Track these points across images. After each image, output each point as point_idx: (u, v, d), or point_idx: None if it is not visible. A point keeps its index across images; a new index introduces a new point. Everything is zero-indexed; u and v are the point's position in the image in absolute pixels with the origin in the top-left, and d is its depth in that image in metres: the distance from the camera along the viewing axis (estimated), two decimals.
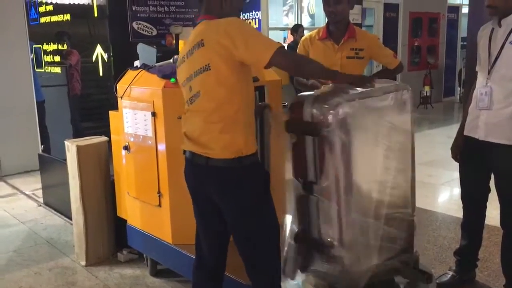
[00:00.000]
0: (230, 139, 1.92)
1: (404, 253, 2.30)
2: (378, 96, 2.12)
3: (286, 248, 2.18)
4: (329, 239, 2.07)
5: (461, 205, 2.96)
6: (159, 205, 2.89)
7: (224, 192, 1.98)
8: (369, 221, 2.12)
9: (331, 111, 1.94)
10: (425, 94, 10.74)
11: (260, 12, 7.55)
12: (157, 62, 3.03)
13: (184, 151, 2.11)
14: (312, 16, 9.24)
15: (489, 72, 2.60)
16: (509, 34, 2.51)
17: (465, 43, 10.64)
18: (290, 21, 8.85)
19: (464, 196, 2.91)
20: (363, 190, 2.09)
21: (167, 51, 3.20)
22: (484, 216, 2.89)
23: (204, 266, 2.22)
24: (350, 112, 1.97)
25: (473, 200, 2.88)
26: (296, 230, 2.16)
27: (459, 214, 3.09)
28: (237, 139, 1.93)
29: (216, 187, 1.99)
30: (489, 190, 2.80)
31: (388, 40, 10.18)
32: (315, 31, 3.05)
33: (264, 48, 1.85)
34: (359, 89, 2.09)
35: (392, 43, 10.46)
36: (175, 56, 2.94)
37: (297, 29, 7.40)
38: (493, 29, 2.61)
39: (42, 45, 4.49)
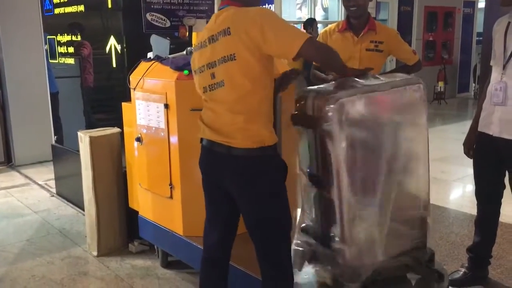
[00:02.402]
0: (254, 129, 1.92)
1: (417, 250, 2.28)
2: (385, 91, 2.09)
3: (294, 239, 2.18)
4: (331, 233, 2.08)
5: (474, 201, 2.93)
6: (171, 197, 2.90)
7: (244, 181, 1.96)
8: (374, 217, 2.10)
9: (331, 105, 1.94)
10: (439, 90, 10.63)
11: (273, 5, 7.51)
12: (170, 54, 3.03)
13: (201, 139, 2.10)
14: (325, 9, 9.18)
15: (504, 67, 2.56)
16: None
17: (480, 38, 10.51)
18: (304, 14, 8.80)
19: (478, 193, 2.88)
20: (368, 186, 2.08)
21: (180, 43, 3.21)
22: (498, 213, 2.86)
23: (210, 258, 2.22)
24: (351, 106, 1.96)
25: (487, 197, 2.84)
26: (304, 222, 2.17)
27: (472, 211, 3.06)
28: (261, 130, 1.93)
29: (236, 176, 1.98)
30: (503, 187, 2.76)
31: (402, 35, 10.03)
32: (334, 24, 3.02)
33: (293, 39, 1.84)
34: (367, 83, 2.06)
35: (407, 37, 10.35)
36: (188, 48, 2.94)
37: (311, 23, 7.35)
38: (509, 23, 2.56)
39: (56, 36, 4.51)
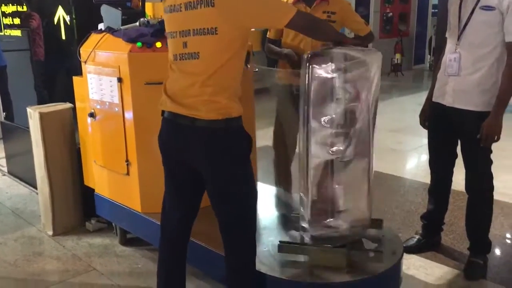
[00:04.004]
0: (221, 102, 1.87)
1: None
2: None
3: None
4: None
5: (428, 170, 3.01)
6: (127, 174, 2.84)
7: (209, 153, 1.92)
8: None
9: None
10: (396, 62, 10.81)
11: None
12: (122, 25, 2.91)
13: (163, 112, 2.03)
14: None
15: (459, 38, 2.60)
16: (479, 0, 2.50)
17: (436, 10, 10.69)
18: None
19: (432, 162, 2.96)
20: None
21: (132, 14, 3.07)
22: (450, 181, 2.95)
23: (170, 237, 2.19)
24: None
25: (440, 166, 2.92)
26: None
27: (427, 179, 3.15)
28: (228, 102, 1.89)
29: (201, 148, 1.93)
30: (455, 156, 2.84)
31: (361, 7, 10.13)
32: None
33: (284, 11, 1.85)
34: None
35: (364, 10, 10.42)
36: (142, 19, 2.84)
37: None
38: None
39: (0, 6, 4.26)
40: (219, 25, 1.79)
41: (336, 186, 2.06)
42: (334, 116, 1.97)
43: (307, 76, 1.95)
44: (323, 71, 1.95)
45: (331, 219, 2.10)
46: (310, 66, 1.94)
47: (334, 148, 2.00)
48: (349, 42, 2.08)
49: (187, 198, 2.13)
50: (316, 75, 1.95)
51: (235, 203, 1.99)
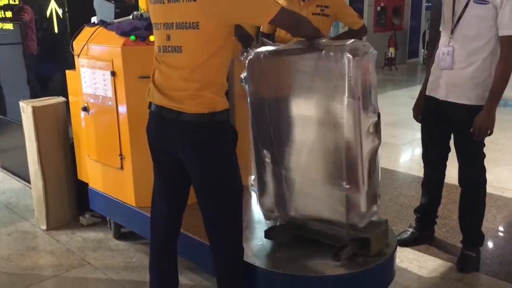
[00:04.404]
0: (206, 96, 1.87)
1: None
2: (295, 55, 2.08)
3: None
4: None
5: (422, 164, 3.03)
6: (121, 168, 2.83)
7: (194, 147, 1.93)
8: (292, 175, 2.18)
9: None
10: (389, 56, 10.83)
11: None
12: (115, 18, 2.89)
13: (150, 104, 2.02)
14: None
15: (452, 32, 2.61)
16: None
17: (430, 4, 10.70)
18: None
19: (425, 155, 2.97)
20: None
21: (126, 7, 3.05)
22: (443, 174, 2.97)
23: (159, 231, 2.19)
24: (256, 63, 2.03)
25: (433, 159, 2.94)
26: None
27: (420, 173, 3.16)
28: (213, 96, 1.88)
29: (186, 141, 1.93)
30: (449, 150, 2.86)
31: (355, 1, 10.12)
32: None
33: (267, 8, 1.82)
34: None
35: (359, 3, 10.41)
36: (135, 12, 2.82)
37: None
38: None
39: None
40: (200, 20, 1.78)
41: (374, 171, 2.08)
42: (374, 104, 1.99)
43: (351, 68, 1.91)
44: (363, 62, 1.94)
45: (375, 205, 2.12)
46: (353, 58, 1.91)
47: (375, 136, 2.04)
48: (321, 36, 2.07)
49: (175, 191, 2.13)
50: (358, 67, 1.93)
51: (218, 196, 1.99)
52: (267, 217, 2.38)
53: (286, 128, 2.15)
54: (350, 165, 2.02)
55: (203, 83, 1.86)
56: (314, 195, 2.16)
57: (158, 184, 2.16)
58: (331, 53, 1.95)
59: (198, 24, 1.79)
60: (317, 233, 2.26)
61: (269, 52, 2.11)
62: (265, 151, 2.22)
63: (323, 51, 1.97)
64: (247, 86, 2.17)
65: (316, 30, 2.04)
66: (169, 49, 1.89)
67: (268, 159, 2.22)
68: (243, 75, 2.17)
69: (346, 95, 1.94)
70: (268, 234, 2.31)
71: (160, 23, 1.92)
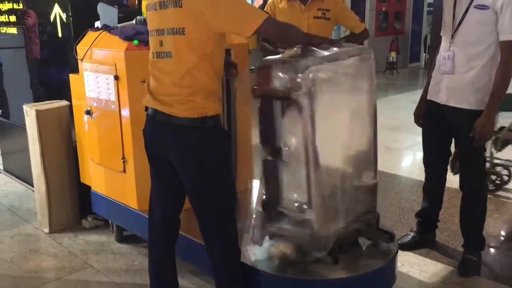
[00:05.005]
0: (197, 101, 1.89)
1: (367, 214, 2.34)
2: (344, 60, 2.11)
3: (254, 215, 2.18)
4: (296, 204, 2.09)
5: (423, 168, 3.04)
6: (124, 171, 2.84)
7: (185, 152, 1.95)
8: (336, 184, 2.14)
9: (299, 75, 1.91)
10: (391, 60, 10.84)
11: None
12: (118, 23, 2.92)
13: (146, 108, 2.06)
14: None
15: (453, 36, 2.62)
16: None
17: (431, 8, 10.72)
18: None
19: (426, 160, 2.98)
20: (330, 153, 2.10)
21: (129, 12, 3.08)
22: (444, 179, 2.97)
23: (156, 233, 2.21)
24: (318, 75, 1.95)
25: (434, 163, 2.95)
26: (264, 196, 2.16)
27: (421, 177, 3.17)
28: (205, 101, 1.90)
29: (176, 146, 1.95)
30: (450, 154, 2.87)
31: (356, 5, 10.14)
32: None
33: (251, 18, 1.81)
34: (325, 52, 2.06)
35: (360, 8, 10.43)
36: (138, 17, 2.84)
37: None
38: None
39: None
40: (186, 26, 1.82)
41: None
42: None
43: None
44: None
45: None
46: None
47: None
48: (315, 42, 2.05)
49: (170, 193, 2.15)
50: None
51: (208, 201, 2.00)
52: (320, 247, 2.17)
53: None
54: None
55: (194, 88, 1.88)
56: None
57: (154, 186, 2.19)
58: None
59: (184, 30, 1.82)
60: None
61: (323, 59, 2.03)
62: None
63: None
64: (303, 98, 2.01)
65: (307, 37, 2.03)
66: (162, 54, 1.93)
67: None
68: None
69: None
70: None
71: (154, 30, 1.96)
